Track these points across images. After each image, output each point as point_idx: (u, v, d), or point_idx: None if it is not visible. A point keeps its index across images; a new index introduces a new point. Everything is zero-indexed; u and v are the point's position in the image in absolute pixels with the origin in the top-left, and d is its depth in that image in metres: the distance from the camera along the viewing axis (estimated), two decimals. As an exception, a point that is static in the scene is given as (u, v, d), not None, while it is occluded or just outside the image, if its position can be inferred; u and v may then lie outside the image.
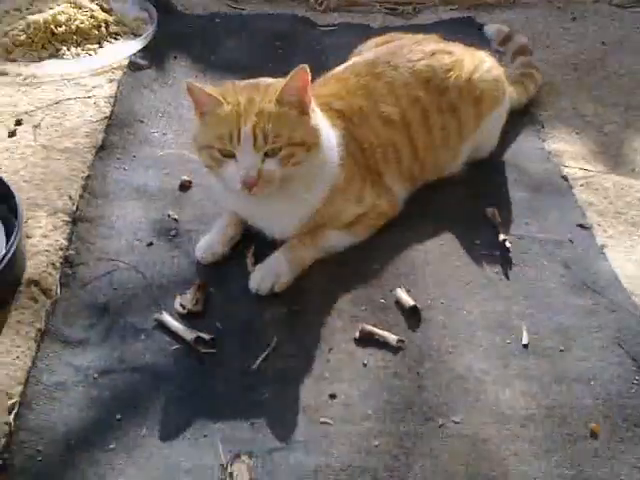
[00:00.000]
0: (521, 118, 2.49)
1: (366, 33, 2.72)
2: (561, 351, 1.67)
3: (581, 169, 2.27)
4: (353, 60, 2.16)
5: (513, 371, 1.62)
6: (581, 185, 2.20)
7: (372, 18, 3.23)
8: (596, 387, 1.59)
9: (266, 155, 1.68)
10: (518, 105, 2.44)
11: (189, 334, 1.68)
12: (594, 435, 1.49)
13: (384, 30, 2.84)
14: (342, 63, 2.18)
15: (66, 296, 1.78)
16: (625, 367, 1.63)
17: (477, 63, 2.15)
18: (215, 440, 1.47)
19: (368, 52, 2.18)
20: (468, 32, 2.98)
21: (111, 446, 1.46)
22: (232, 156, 1.69)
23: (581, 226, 2.03)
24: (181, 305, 1.76)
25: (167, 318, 1.72)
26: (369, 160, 1.96)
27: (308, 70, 1.68)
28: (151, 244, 1.94)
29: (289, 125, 1.69)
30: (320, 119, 1.79)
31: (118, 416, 1.52)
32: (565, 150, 2.36)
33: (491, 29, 3.00)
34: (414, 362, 1.63)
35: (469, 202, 2.10)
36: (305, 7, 3.30)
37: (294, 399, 1.55)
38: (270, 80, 1.80)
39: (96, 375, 1.60)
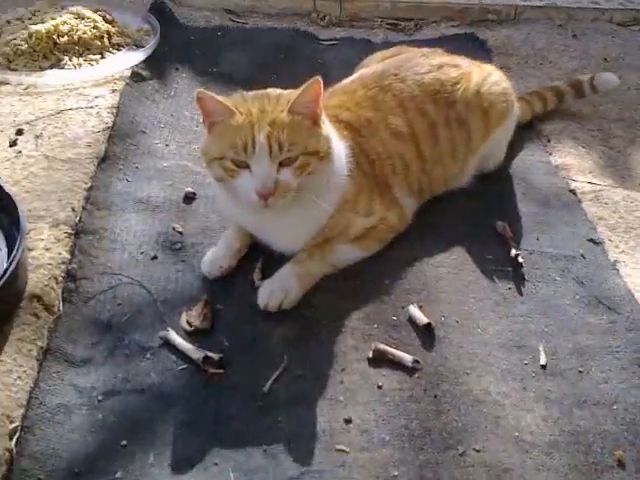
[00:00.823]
0: (527, 132, 2.47)
1: (368, 48, 2.71)
2: (580, 372, 1.63)
3: (589, 183, 2.25)
4: (360, 72, 2.13)
5: (532, 394, 1.58)
6: (590, 199, 2.18)
7: (374, 34, 3.23)
8: (619, 411, 1.54)
9: (281, 165, 1.65)
10: (522, 121, 2.41)
11: (197, 353, 1.62)
12: (621, 465, 1.45)
13: (386, 45, 2.83)
14: (344, 77, 2.15)
15: (69, 312, 1.72)
16: (647, 390, 1.59)
17: (485, 76, 2.13)
18: (226, 468, 1.41)
19: (375, 65, 2.15)
20: (471, 47, 2.98)
21: (117, 475, 1.40)
22: (246, 167, 1.65)
23: (592, 241, 2.00)
24: (187, 322, 1.71)
25: (173, 336, 1.67)
26: (377, 172, 1.92)
27: (321, 82, 1.64)
28: (155, 258, 1.89)
29: (303, 134, 1.66)
30: (329, 129, 1.76)
31: (124, 442, 1.46)
32: (572, 164, 2.34)
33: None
34: (430, 384, 1.59)
35: (478, 216, 2.07)
36: (307, 22, 3.30)
37: (308, 424, 1.50)
38: (279, 91, 1.77)
39: (100, 397, 1.54)
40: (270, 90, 1.78)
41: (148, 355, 1.64)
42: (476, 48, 3.00)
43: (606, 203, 2.16)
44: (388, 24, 3.29)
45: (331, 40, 3.14)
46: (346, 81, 2.09)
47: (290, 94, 1.71)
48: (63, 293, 1.76)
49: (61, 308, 1.72)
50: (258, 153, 1.63)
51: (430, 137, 2.00)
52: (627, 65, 2.93)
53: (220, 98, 1.67)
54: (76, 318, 1.71)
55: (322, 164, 1.71)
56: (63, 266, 1.81)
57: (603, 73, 2.61)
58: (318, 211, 1.76)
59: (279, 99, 1.71)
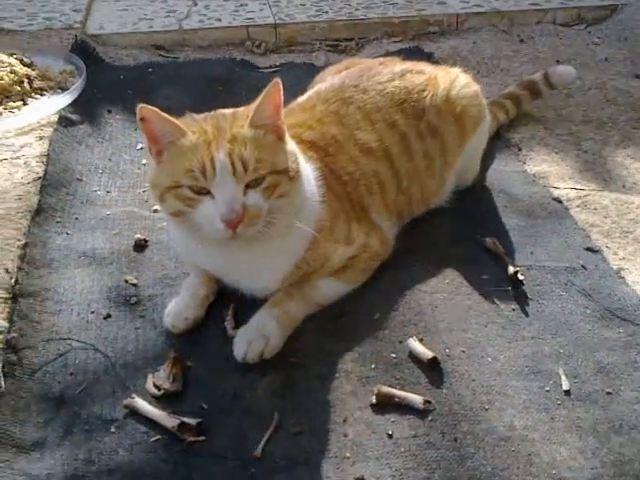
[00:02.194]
0: (495, 142, 2.34)
1: (311, 71, 2.54)
2: (609, 394, 1.45)
3: (573, 189, 2.10)
4: (317, 87, 1.93)
5: (562, 424, 1.39)
6: (577, 206, 2.03)
7: (315, 57, 3.09)
8: (662, 433, 1.36)
9: (247, 187, 1.43)
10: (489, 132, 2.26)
11: (170, 420, 1.39)
12: (680, 494, 1.26)
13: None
14: (290, 102, 1.95)
15: (12, 389, 1.46)
16: (687, 404, 1.41)
17: (452, 79, 1.97)
18: None
19: (332, 77, 1.95)
20: (418, 61, 2.84)
21: None
22: (207, 193, 1.43)
23: (590, 250, 1.85)
24: (155, 385, 1.48)
25: (140, 403, 1.43)
26: (352, 194, 1.73)
27: (281, 86, 1.45)
28: (109, 316, 1.66)
29: (268, 151, 1.46)
30: (295, 148, 1.56)
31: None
32: (549, 171, 2.21)
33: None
34: (447, 426, 1.37)
35: (464, 234, 1.90)
36: (243, 51, 3.15)
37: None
38: (232, 109, 1.56)
39: (59, 485, 1.29)
40: (222, 110, 1.58)
41: (112, 429, 1.40)
42: (424, 62, 2.85)
43: (595, 208, 2.01)
44: (328, 45, 3.16)
45: (270, 67, 2.99)
46: (302, 98, 1.90)
47: (247, 109, 1.51)
48: (4, 367, 1.50)
49: (3, 385, 1.46)
50: (220, 175, 1.41)
51: (403, 151, 1.82)
52: (581, 65, 2.84)
53: (167, 116, 1.45)
54: (22, 395, 1.46)
55: (293, 185, 1.50)
56: (1, 336, 1.55)
57: (558, 67, 2.51)
58: (293, 241, 1.55)
59: (235, 115, 1.51)
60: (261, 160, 1.44)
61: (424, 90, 1.90)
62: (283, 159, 1.48)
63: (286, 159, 1.49)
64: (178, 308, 1.61)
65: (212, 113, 1.56)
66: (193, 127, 1.47)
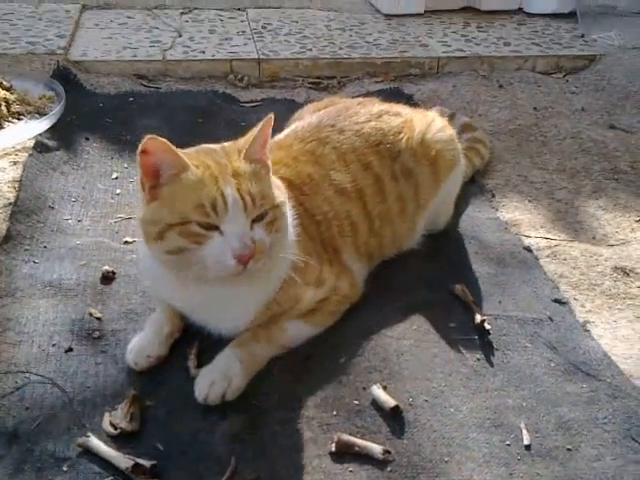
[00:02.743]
0: (469, 188, 2.35)
1: (292, 108, 2.53)
2: (569, 450, 1.44)
3: (544, 238, 2.11)
4: (294, 125, 1.93)
5: (520, 479, 1.37)
6: (547, 256, 2.04)
7: (296, 93, 3.09)
8: (621, 492, 1.35)
9: (252, 222, 1.43)
10: (464, 177, 2.27)
11: (124, 461, 1.36)
12: None
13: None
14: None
15: (-36, 422, 1.43)
16: (646, 464, 1.40)
17: (428, 122, 1.98)
18: None
19: (309, 116, 1.96)
20: (397, 102, 2.86)
21: None
22: (215, 229, 1.41)
23: (557, 301, 1.85)
24: (112, 424, 1.44)
25: (95, 442, 1.40)
26: (324, 234, 1.73)
27: (273, 122, 1.47)
28: (70, 350, 1.62)
29: (267, 184, 1.47)
30: (280, 183, 1.58)
31: None
32: (521, 219, 2.22)
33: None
34: (406, 478, 1.35)
35: (433, 279, 1.89)
36: (225, 84, 3.15)
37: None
38: (215, 144, 1.55)
39: (7, 525, 1.26)
40: (206, 144, 1.57)
41: (65, 467, 1.37)
42: (403, 103, 2.87)
43: (565, 259, 2.02)
44: (310, 83, 3.17)
45: (252, 102, 3.00)
46: (279, 136, 1.89)
47: (235, 143, 1.51)
48: (-42, 399, 1.46)
49: (-45, 418, 1.43)
50: (232, 210, 1.39)
51: (377, 193, 1.82)
52: (558, 113, 2.88)
53: (175, 148, 1.42)
54: (-26, 429, 1.42)
55: (285, 220, 1.51)
56: (-42, 366, 1.52)
57: None
58: (268, 280, 1.55)
59: (226, 150, 1.50)
60: (263, 194, 1.43)
61: (400, 132, 1.90)
62: (278, 193, 1.49)
63: (280, 192, 1.50)
64: (141, 344, 1.58)
65: (202, 147, 1.55)
66: (194, 161, 1.44)
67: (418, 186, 1.90)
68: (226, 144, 1.54)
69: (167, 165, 1.42)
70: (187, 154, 1.47)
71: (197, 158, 1.46)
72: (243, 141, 1.50)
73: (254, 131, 1.48)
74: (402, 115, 1.96)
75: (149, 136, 1.40)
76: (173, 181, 1.43)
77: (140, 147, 1.41)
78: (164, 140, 1.40)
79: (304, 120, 1.93)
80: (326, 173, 1.77)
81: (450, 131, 2.01)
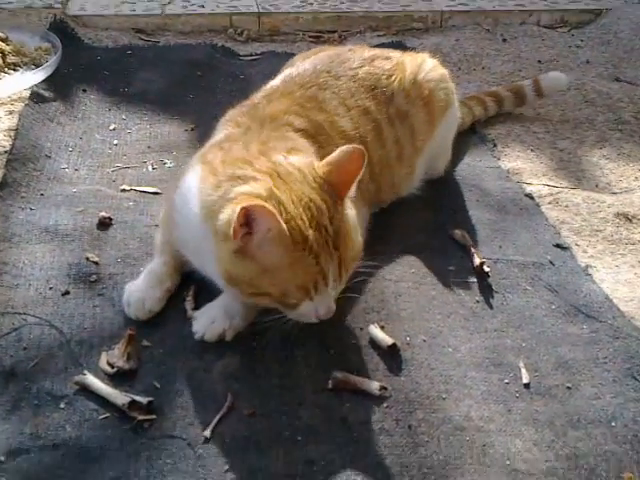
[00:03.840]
0: (470, 137, 2.33)
1: (292, 61, 2.50)
2: (568, 389, 1.43)
3: (546, 185, 2.09)
4: (288, 71, 1.87)
5: (519, 416, 1.36)
6: (549, 203, 2.02)
7: (296, 47, 3.04)
8: (618, 429, 1.34)
9: None
10: (463, 125, 2.24)
11: (121, 398, 1.35)
12: (633, 488, 1.24)
13: (312, 58, 2.65)
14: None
15: (-38, 361, 1.42)
16: (646, 402, 1.39)
17: (419, 63, 1.96)
18: None
19: (300, 63, 1.91)
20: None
21: None
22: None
23: (559, 246, 1.83)
24: (109, 363, 1.44)
25: (92, 380, 1.39)
26: None
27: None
28: (67, 293, 1.61)
29: (355, 233, 1.44)
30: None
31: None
32: (523, 168, 2.19)
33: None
34: (403, 413, 1.35)
35: (433, 225, 1.88)
36: (225, 38, 3.11)
37: (261, 471, 1.24)
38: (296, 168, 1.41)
39: (2, 458, 1.25)
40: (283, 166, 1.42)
41: (62, 405, 1.36)
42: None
43: (567, 206, 1.99)
44: (310, 37, 3.13)
45: (251, 55, 2.96)
46: (274, 82, 1.85)
47: (329, 172, 1.41)
48: (-46, 340, 1.45)
49: (-49, 357, 1.42)
50: (330, 287, 1.38)
51: (376, 139, 1.79)
52: (562, 66, 2.84)
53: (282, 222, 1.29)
54: (-29, 367, 1.41)
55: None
56: (-47, 308, 1.51)
57: (549, 73, 2.48)
58: None
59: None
60: (354, 260, 1.43)
61: (392, 75, 1.88)
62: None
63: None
64: (143, 299, 1.54)
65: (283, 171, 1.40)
66: (290, 218, 1.31)
67: (414, 128, 1.88)
68: (306, 169, 1.42)
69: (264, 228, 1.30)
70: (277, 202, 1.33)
71: (291, 209, 1.33)
72: (334, 173, 1.40)
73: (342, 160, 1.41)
74: (393, 58, 1.93)
75: (260, 204, 1.28)
76: (271, 249, 1.32)
77: (248, 207, 1.27)
78: (275, 212, 1.28)
79: (296, 67, 1.88)
80: (332, 120, 1.73)
81: (441, 70, 1.99)
